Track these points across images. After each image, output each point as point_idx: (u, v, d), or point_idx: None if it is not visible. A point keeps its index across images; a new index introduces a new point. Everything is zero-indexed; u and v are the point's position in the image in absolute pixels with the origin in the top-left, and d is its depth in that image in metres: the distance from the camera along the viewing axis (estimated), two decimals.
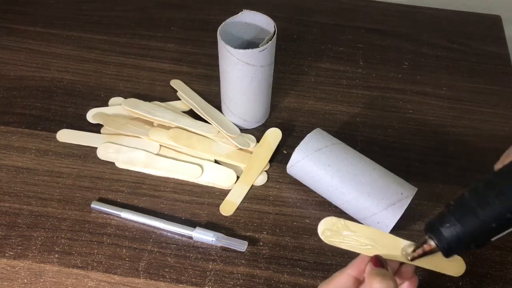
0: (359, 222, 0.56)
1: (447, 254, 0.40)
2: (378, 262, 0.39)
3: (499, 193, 0.39)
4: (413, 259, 0.41)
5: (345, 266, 0.42)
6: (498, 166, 0.45)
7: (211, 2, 0.82)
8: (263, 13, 0.58)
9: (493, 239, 0.40)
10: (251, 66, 0.56)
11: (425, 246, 0.41)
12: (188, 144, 0.62)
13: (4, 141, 0.63)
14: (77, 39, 0.75)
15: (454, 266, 0.41)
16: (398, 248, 0.41)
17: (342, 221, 0.41)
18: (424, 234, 0.41)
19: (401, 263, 0.42)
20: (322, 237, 0.41)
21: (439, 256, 0.40)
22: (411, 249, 0.41)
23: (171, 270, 0.54)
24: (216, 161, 0.62)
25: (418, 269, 0.43)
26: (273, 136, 0.64)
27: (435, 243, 0.40)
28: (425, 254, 0.41)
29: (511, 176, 0.40)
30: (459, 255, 0.43)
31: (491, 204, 0.39)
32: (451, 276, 0.54)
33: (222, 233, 0.55)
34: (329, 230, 0.41)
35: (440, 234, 0.40)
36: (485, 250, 0.56)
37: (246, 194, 0.60)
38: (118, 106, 0.66)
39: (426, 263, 0.41)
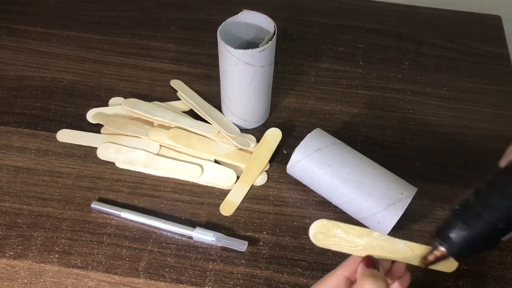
0: (359, 222, 0.57)
1: (459, 258, 0.41)
2: (370, 262, 0.39)
3: (503, 194, 0.39)
4: (427, 265, 0.41)
5: (336, 267, 0.42)
6: (502, 163, 0.46)
7: (211, 2, 0.82)
8: (263, 13, 0.58)
9: (504, 238, 0.40)
10: (251, 66, 0.56)
11: (436, 252, 0.41)
12: (188, 144, 0.62)
13: (4, 141, 0.63)
14: (77, 39, 0.75)
15: (446, 263, 0.41)
16: (391, 247, 0.41)
17: (332, 222, 0.41)
18: (434, 241, 0.41)
19: (393, 262, 0.42)
20: (313, 240, 0.41)
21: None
22: (423, 255, 0.42)
23: (171, 270, 0.54)
24: (216, 161, 0.62)
25: (417, 270, 0.43)
26: (273, 136, 0.64)
27: (446, 249, 0.40)
28: (438, 260, 0.41)
29: None
30: (473, 258, 0.43)
31: (495, 206, 0.39)
32: (451, 276, 0.54)
33: (222, 233, 0.55)
34: (321, 233, 0.41)
35: (449, 240, 0.40)
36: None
37: (246, 194, 0.60)
38: (118, 106, 0.66)
39: (418, 261, 0.41)
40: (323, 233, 0.41)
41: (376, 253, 0.40)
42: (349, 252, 0.41)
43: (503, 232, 0.40)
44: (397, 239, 0.41)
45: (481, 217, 0.39)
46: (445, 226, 0.41)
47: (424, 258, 0.41)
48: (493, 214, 0.39)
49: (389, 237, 0.41)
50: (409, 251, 0.41)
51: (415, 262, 0.41)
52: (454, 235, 0.40)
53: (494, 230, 0.39)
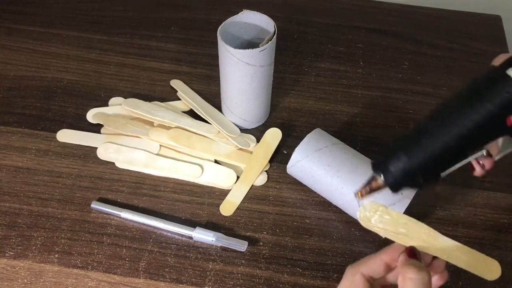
0: (359, 222, 0.57)
1: (395, 189, 0.40)
2: (413, 253, 0.38)
3: (442, 123, 0.38)
4: (361, 196, 0.41)
5: (379, 251, 0.41)
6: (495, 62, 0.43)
7: (211, 2, 0.82)
8: (263, 13, 0.58)
9: (442, 174, 0.39)
10: (251, 66, 0.56)
11: (372, 183, 0.40)
12: (188, 144, 0.62)
13: (4, 141, 0.63)
14: (77, 39, 0.75)
15: (489, 270, 0.40)
16: (434, 242, 0.40)
17: (383, 207, 0.40)
18: (372, 173, 0.41)
19: (434, 257, 0.41)
20: (361, 221, 0.40)
21: (476, 257, 0.39)
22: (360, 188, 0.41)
23: (171, 270, 0.54)
24: (216, 161, 0.62)
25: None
26: (273, 136, 0.64)
27: (382, 180, 0.40)
28: (372, 190, 0.41)
29: (454, 105, 0.39)
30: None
31: (435, 135, 0.38)
32: (451, 276, 0.54)
33: (222, 233, 0.55)
34: (369, 215, 0.40)
35: (387, 170, 0.39)
36: (485, 250, 0.56)
37: (246, 194, 0.60)
38: (118, 106, 0.66)
39: (462, 262, 0.40)
40: (371, 215, 0.40)
41: (420, 245, 0.39)
42: (393, 239, 0.40)
43: (442, 165, 0.39)
44: (441, 235, 0.40)
45: (420, 146, 0.38)
46: (384, 157, 0.40)
47: (361, 189, 0.41)
48: (433, 142, 0.38)
49: (434, 231, 0.40)
50: (451, 250, 0.40)
51: (457, 262, 0.40)
52: (392, 165, 0.39)
53: (433, 160, 0.38)
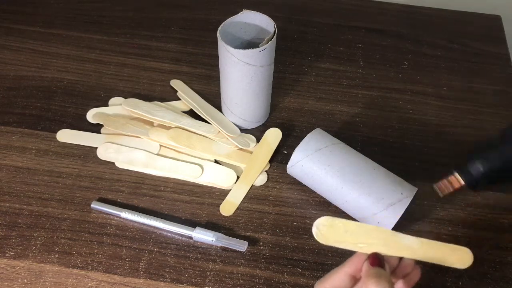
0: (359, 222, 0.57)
1: (473, 188, 0.48)
2: (376, 260, 0.39)
3: None
4: (442, 191, 0.48)
5: (341, 264, 0.41)
6: None
7: (211, 2, 0.82)
8: (263, 13, 0.58)
9: None
10: (251, 66, 0.56)
11: (454, 182, 0.48)
12: (188, 144, 0.62)
13: (4, 141, 0.63)
14: (77, 39, 0.75)
15: (459, 258, 0.40)
16: (397, 244, 0.40)
17: (336, 219, 0.40)
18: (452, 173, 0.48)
19: (401, 258, 0.41)
20: (316, 237, 0.40)
21: (443, 249, 0.40)
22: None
23: (171, 270, 0.54)
24: (216, 161, 0.62)
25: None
26: (273, 136, 0.64)
27: (462, 178, 0.47)
28: (453, 189, 0.48)
29: None
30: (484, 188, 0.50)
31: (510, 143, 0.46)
32: (451, 276, 0.54)
33: (222, 233, 0.55)
34: (324, 230, 0.40)
35: (468, 174, 0.47)
36: (485, 250, 0.56)
37: (246, 194, 0.60)
38: (118, 106, 0.66)
39: (428, 257, 0.40)
40: (327, 230, 0.40)
41: (382, 249, 0.40)
42: (354, 249, 0.40)
43: None
44: (403, 234, 0.40)
45: (497, 150, 0.46)
46: (468, 158, 0.48)
47: (440, 187, 0.47)
48: (509, 147, 0.46)
49: (395, 232, 0.40)
50: (416, 247, 0.40)
51: (424, 258, 0.40)
52: (471, 166, 0.48)
53: (509, 163, 0.46)
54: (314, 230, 0.41)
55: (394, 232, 0.40)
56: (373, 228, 0.40)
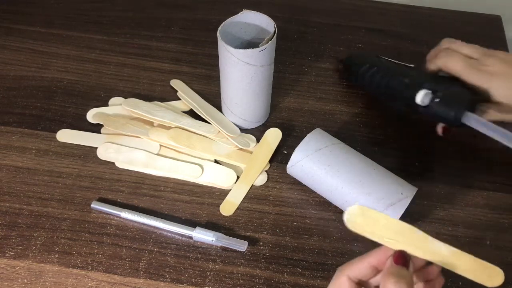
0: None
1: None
2: (400, 258, 0.38)
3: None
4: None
5: (366, 253, 0.41)
6: (429, 66, 0.62)
7: (211, 2, 0.82)
8: (263, 13, 0.58)
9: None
10: (251, 66, 0.56)
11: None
12: (188, 144, 0.62)
13: (4, 141, 0.63)
14: (77, 39, 0.75)
15: (489, 276, 0.39)
16: (427, 247, 0.39)
17: (371, 211, 0.40)
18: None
19: (428, 263, 0.40)
20: (346, 223, 0.40)
21: (475, 263, 0.39)
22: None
23: (171, 270, 0.54)
24: (216, 161, 0.62)
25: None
26: (273, 136, 0.64)
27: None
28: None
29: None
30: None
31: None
32: (452, 276, 0.54)
33: (222, 233, 0.55)
34: (355, 218, 0.40)
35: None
36: (485, 251, 0.56)
37: (246, 194, 0.60)
38: (118, 106, 0.66)
39: (458, 268, 0.39)
40: (357, 218, 0.40)
41: (409, 249, 0.39)
42: (380, 242, 0.39)
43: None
44: (435, 239, 0.39)
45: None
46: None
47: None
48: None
49: (426, 235, 0.39)
50: (445, 254, 0.39)
51: (451, 267, 0.39)
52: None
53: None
54: (345, 216, 0.40)
55: (426, 234, 0.39)
56: (405, 226, 0.39)
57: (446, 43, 0.63)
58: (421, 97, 0.56)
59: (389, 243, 0.39)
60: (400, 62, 0.67)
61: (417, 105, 0.57)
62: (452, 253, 0.39)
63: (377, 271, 0.40)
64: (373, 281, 0.41)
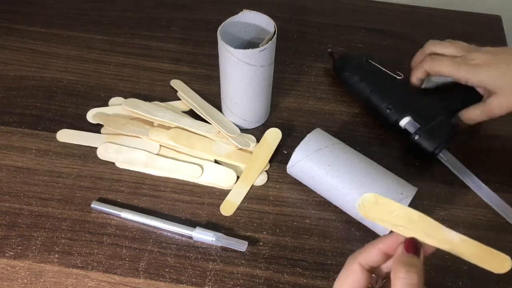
0: (359, 222, 0.57)
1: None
2: (411, 246, 0.38)
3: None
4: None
5: (377, 239, 0.40)
6: (413, 79, 0.65)
7: (211, 2, 0.82)
8: (263, 13, 0.58)
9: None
10: (251, 66, 0.56)
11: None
12: (188, 144, 0.62)
13: (4, 141, 0.63)
14: (77, 39, 0.75)
15: (497, 263, 0.40)
16: (438, 235, 0.39)
17: (384, 199, 0.40)
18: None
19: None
20: (358, 210, 0.40)
21: (483, 250, 0.39)
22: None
23: (171, 270, 0.54)
24: (216, 161, 0.62)
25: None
26: (273, 136, 0.64)
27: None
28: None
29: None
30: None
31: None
32: (451, 276, 0.54)
33: (222, 233, 0.55)
34: (368, 205, 0.40)
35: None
36: None
37: (246, 194, 0.60)
38: (118, 106, 0.66)
39: (467, 255, 0.39)
40: (370, 205, 0.40)
41: (420, 236, 0.39)
42: (394, 230, 0.39)
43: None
44: (446, 228, 0.39)
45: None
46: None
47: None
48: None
49: (438, 223, 0.39)
50: (456, 243, 0.39)
51: (461, 254, 0.39)
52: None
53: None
54: (358, 202, 0.40)
55: (437, 223, 0.39)
56: (417, 215, 0.39)
57: (430, 46, 0.65)
58: (405, 124, 0.61)
59: (401, 230, 0.39)
60: (389, 72, 0.67)
61: (399, 126, 0.62)
62: (462, 241, 0.39)
63: (387, 257, 0.40)
64: (384, 266, 0.41)
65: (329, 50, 0.72)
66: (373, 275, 0.41)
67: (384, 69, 0.67)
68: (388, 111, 0.62)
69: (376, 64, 0.67)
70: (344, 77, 0.67)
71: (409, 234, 0.39)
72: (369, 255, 0.40)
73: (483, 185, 0.60)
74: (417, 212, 0.39)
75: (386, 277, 0.41)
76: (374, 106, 0.64)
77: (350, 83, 0.67)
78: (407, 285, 0.36)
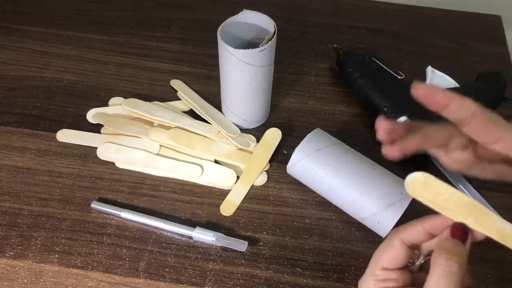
0: (359, 222, 0.57)
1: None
2: (458, 232, 0.36)
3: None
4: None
5: (423, 217, 0.39)
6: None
7: (211, 2, 0.82)
8: (263, 13, 0.58)
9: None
10: (251, 66, 0.56)
11: None
12: (188, 144, 0.62)
13: (4, 141, 0.63)
14: (77, 39, 0.75)
15: None
16: (488, 222, 0.37)
17: (435, 180, 0.38)
18: None
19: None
20: (406, 189, 0.38)
21: None
22: None
23: (171, 270, 0.54)
24: (216, 161, 0.62)
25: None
26: (273, 136, 0.64)
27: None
28: None
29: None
30: None
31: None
32: None
33: (222, 233, 0.55)
34: (417, 184, 0.38)
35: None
36: (485, 250, 0.56)
37: (246, 194, 0.60)
38: (118, 106, 0.66)
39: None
40: (419, 185, 0.38)
41: (470, 223, 0.37)
42: (442, 213, 0.37)
43: None
44: (498, 216, 0.37)
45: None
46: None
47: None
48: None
49: (490, 212, 0.37)
50: (509, 234, 0.37)
51: (510, 245, 0.37)
52: None
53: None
54: (407, 181, 0.38)
55: (489, 211, 0.37)
56: (469, 200, 0.37)
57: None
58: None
59: (450, 214, 0.37)
60: (390, 71, 0.67)
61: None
62: None
63: (431, 236, 0.38)
64: (427, 245, 0.39)
65: (335, 45, 0.73)
66: (415, 251, 0.39)
67: (386, 68, 0.67)
68: (385, 109, 0.62)
69: (379, 63, 0.68)
70: (346, 72, 0.68)
71: (457, 218, 0.37)
72: (412, 232, 0.38)
73: (474, 190, 0.60)
74: (469, 197, 0.37)
75: (429, 255, 0.40)
76: (372, 104, 0.64)
77: (351, 79, 0.67)
78: (445, 272, 0.34)
